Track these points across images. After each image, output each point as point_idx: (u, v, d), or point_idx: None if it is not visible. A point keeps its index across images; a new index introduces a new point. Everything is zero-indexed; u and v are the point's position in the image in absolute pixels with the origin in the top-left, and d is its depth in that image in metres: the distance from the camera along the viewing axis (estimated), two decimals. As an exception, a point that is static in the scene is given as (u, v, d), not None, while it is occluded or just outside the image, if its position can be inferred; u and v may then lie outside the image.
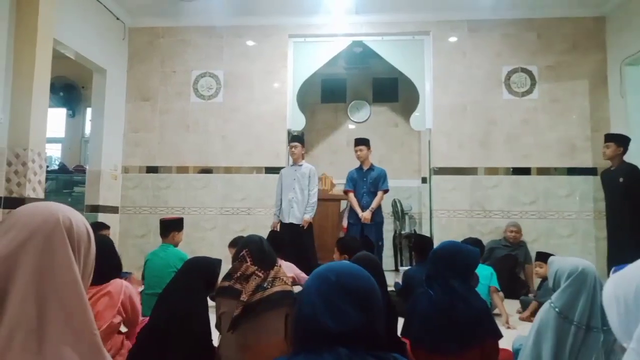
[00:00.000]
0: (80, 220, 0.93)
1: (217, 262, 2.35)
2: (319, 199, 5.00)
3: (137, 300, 2.32)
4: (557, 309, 1.81)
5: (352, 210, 4.99)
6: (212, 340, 2.14)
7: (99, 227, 4.44)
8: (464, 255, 2.14)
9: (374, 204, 4.82)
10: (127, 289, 2.22)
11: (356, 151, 5.00)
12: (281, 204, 4.85)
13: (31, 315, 0.80)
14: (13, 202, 3.91)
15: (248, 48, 5.81)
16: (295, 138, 5.00)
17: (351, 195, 4.98)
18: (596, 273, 1.82)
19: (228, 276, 2.11)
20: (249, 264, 2.07)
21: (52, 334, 0.81)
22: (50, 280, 0.83)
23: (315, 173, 4.95)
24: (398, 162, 7.33)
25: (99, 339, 0.89)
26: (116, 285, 2.21)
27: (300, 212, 4.76)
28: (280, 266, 2.14)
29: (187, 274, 2.15)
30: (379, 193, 4.88)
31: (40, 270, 0.83)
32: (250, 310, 1.92)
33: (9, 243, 0.83)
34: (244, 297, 1.93)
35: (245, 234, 5.55)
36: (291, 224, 4.74)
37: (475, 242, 4.26)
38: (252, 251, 2.11)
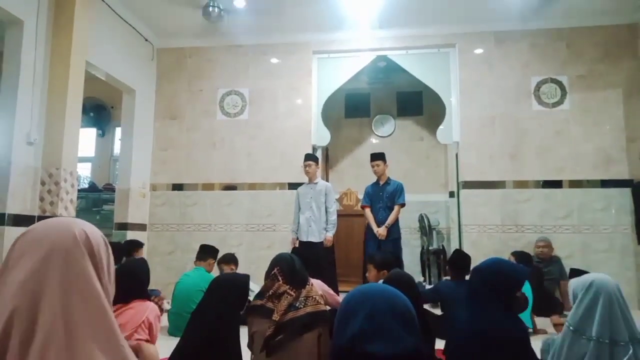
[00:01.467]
0: (95, 232, 0.92)
1: (247, 278, 2.32)
2: (344, 215, 4.93)
3: (158, 325, 2.33)
4: (571, 327, 1.76)
5: (369, 226, 4.90)
6: None
7: (134, 246, 4.54)
8: (504, 277, 1.95)
9: (389, 220, 4.72)
10: (151, 312, 2.22)
11: (372, 166, 4.93)
12: (299, 222, 4.81)
13: (60, 332, 0.79)
14: (46, 221, 3.99)
15: (272, 65, 5.86)
16: (309, 156, 4.94)
17: (367, 210, 4.90)
18: (614, 285, 1.73)
19: (260, 295, 2.08)
20: (280, 282, 2.03)
21: (81, 349, 0.80)
22: (75, 295, 0.82)
23: (332, 190, 4.88)
24: (424, 176, 7.23)
25: (127, 351, 0.86)
26: (141, 304, 2.23)
27: (318, 230, 4.69)
28: (312, 285, 2.10)
29: (217, 292, 2.13)
30: (395, 208, 4.77)
31: (64, 285, 0.82)
32: (282, 330, 1.88)
33: (33, 261, 0.82)
34: (275, 317, 1.89)
35: (271, 250, 5.58)
36: (310, 242, 4.68)
37: (521, 256, 4.05)
38: (283, 269, 2.07)
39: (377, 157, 4.94)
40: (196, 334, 1.96)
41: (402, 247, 4.86)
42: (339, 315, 1.00)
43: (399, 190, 4.81)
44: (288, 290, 1.98)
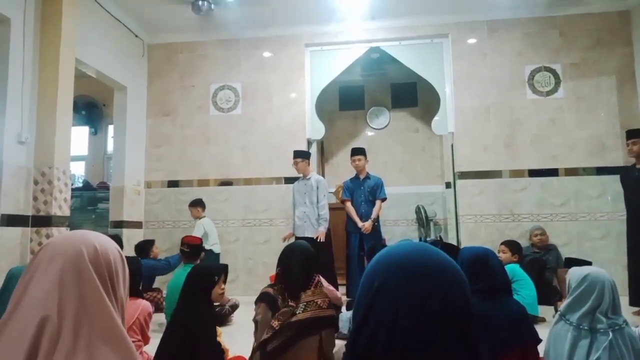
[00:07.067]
0: (104, 245, 0.94)
1: (220, 270, 2.27)
2: (342, 208, 4.98)
3: (150, 322, 2.33)
4: (560, 311, 1.90)
5: (349, 219, 4.93)
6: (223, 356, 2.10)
7: (149, 246, 4.58)
8: (492, 259, 2.09)
9: (374, 214, 4.78)
10: (142, 311, 2.22)
11: (354, 161, 4.93)
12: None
13: (76, 344, 0.84)
14: (41, 221, 3.96)
15: (265, 59, 5.82)
16: (296, 153, 4.91)
17: (348, 204, 4.92)
18: (608, 281, 1.83)
19: (273, 285, 2.18)
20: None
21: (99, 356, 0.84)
22: (88, 308, 0.87)
23: (324, 184, 4.82)
24: (420, 168, 7.22)
25: (134, 351, 0.91)
26: (133, 302, 2.21)
27: (313, 226, 4.70)
28: (316, 287, 2.09)
29: (187, 290, 2.10)
30: (378, 202, 4.84)
31: (76, 301, 0.87)
32: (281, 333, 1.92)
33: (50, 278, 0.87)
34: (275, 324, 1.92)
35: (268, 245, 5.53)
36: (306, 238, 4.63)
37: (512, 246, 4.14)
38: (287, 276, 2.12)
39: (358, 152, 4.97)
40: (172, 338, 1.95)
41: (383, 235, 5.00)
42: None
43: (379, 185, 4.91)
44: (289, 303, 2.02)
